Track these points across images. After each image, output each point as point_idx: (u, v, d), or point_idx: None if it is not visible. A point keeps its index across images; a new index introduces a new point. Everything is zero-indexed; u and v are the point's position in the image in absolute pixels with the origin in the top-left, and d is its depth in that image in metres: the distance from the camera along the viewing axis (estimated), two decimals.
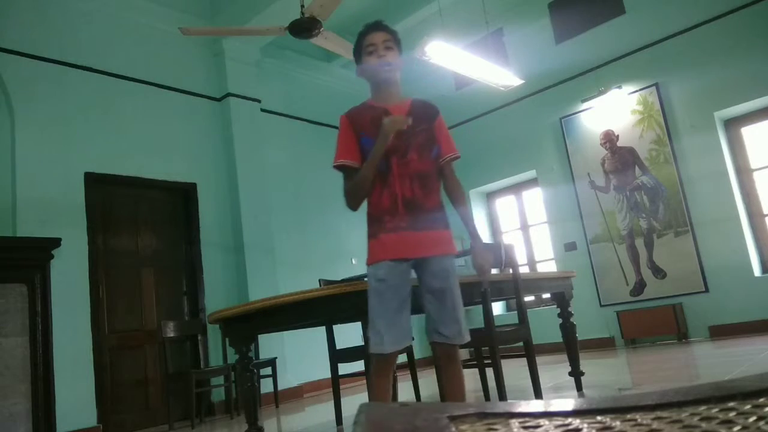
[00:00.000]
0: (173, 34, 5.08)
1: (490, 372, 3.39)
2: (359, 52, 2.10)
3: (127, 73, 5.27)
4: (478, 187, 7.55)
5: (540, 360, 3.44)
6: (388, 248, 1.95)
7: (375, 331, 1.92)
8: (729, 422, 0.40)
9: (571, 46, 6.60)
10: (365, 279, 2.02)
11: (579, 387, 3.57)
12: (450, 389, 2.10)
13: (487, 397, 3.60)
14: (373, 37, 2.06)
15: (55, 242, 4.23)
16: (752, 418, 0.40)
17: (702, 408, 0.44)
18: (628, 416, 0.44)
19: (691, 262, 5.73)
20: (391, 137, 1.92)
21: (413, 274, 2.03)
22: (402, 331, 1.92)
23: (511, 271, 3.19)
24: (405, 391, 4.37)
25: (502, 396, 2.89)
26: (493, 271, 3.23)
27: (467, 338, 1.99)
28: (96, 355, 4.54)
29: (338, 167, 2.03)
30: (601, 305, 6.31)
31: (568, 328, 3.65)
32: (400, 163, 1.97)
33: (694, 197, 5.76)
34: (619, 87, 6.18)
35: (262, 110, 6.24)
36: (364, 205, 2.05)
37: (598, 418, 0.45)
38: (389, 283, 1.92)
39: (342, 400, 3.57)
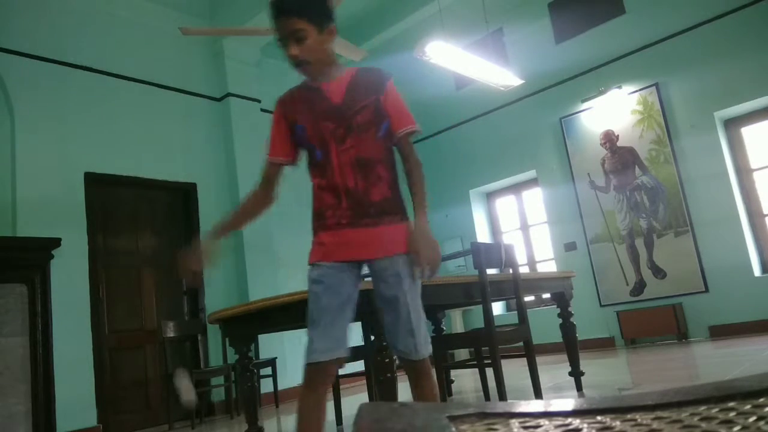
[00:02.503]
0: (173, 34, 5.08)
1: (490, 372, 3.39)
2: None
3: (127, 73, 5.27)
4: (478, 187, 7.55)
5: (540, 360, 3.44)
6: (327, 249, 1.69)
7: (308, 338, 1.66)
8: (729, 422, 0.40)
9: (571, 46, 6.60)
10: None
11: (579, 387, 3.57)
12: None
13: (487, 397, 3.61)
14: (278, 26, 1.64)
15: (55, 242, 4.23)
16: (752, 418, 0.40)
17: (702, 408, 0.44)
18: (628, 416, 0.44)
19: (691, 262, 5.73)
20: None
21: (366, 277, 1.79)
22: (335, 339, 1.65)
23: (511, 271, 3.19)
24: (405, 391, 4.36)
25: (502, 396, 2.89)
26: (493, 270, 3.24)
27: (424, 353, 1.71)
28: (96, 355, 4.54)
29: (271, 162, 1.80)
30: (601, 305, 6.31)
31: (568, 328, 3.65)
32: (340, 151, 1.67)
33: (694, 197, 5.76)
34: (619, 87, 6.18)
35: (262, 110, 6.23)
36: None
37: (598, 418, 0.45)
38: (325, 283, 1.66)
39: (342, 400, 3.57)
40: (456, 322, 7.12)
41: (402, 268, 1.67)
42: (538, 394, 3.17)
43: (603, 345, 6.21)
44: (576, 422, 0.44)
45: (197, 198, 5.56)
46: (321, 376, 1.67)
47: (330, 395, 3.92)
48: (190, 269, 1.69)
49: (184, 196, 5.55)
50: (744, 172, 5.77)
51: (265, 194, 1.83)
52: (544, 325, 5.48)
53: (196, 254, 1.70)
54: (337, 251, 1.68)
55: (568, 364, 3.65)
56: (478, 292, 2.94)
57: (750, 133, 5.81)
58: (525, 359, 3.21)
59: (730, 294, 5.48)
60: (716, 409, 0.43)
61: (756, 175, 5.74)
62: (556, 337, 3.87)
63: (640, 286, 6.08)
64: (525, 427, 0.44)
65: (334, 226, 1.69)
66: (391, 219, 1.70)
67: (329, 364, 1.64)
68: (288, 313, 2.58)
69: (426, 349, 1.71)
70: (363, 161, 1.68)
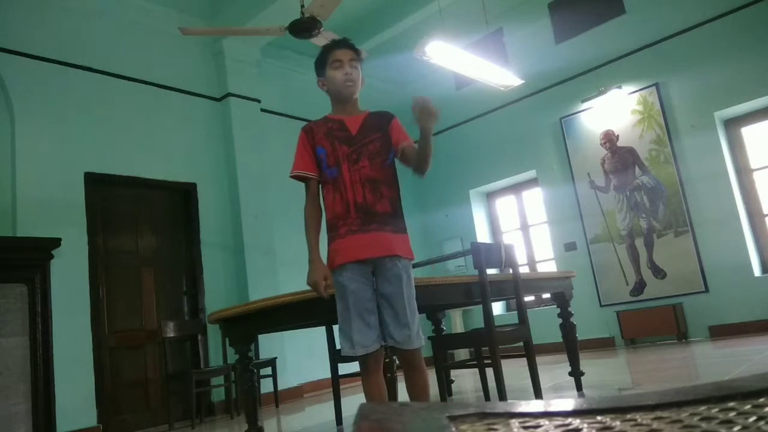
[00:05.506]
0: (173, 34, 5.08)
1: (490, 372, 3.39)
2: (323, 65, 2.18)
3: (127, 73, 5.27)
4: (478, 187, 7.55)
5: (540, 360, 3.44)
6: (343, 252, 2.05)
7: (344, 336, 2.02)
8: (729, 422, 0.40)
9: (571, 46, 6.60)
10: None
11: (579, 387, 3.57)
12: (411, 394, 2.15)
13: (487, 397, 3.61)
14: (341, 53, 2.14)
15: (55, 242, 4.23)
16: (752, 418, 0.40)
17: (702, 408, 0.44)
18: (628, 416, 0.44)
19: (691, 262, 5.73)
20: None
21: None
22: (370, 333, 2.00)
23: (511, 271, 3.19)
24: (405, 391, 4.36)
25: (502, 396, 2.89)
26: (493, 270, 3.24)
27: (418, 344, 2.03)
28: (96, 355, 4.53)
29: (294, 177, 2.18)
30: (601, 305, 6.31)
31: (568, 328, 3.65)
32: (352, 170, 2.07)
33: (694, 197, 5.76)
34: (619, 87, 6.18)
35: (262, 110, 6.24)
36: None
37: (598, 418, 0.45)
38: (350, 287, 2.01)
39: (342, 400, 3.57)
40: (456, 322, 7.12)
41: (401, 271, 2.04)
42: (538, 394, 3.17)
43: (603, 345, 6.21)
44: (576, 422, 0.44)
45: (197, 198, 5.55)
46: (374, 362, 2.06)
47: (330, 395, 3.92)
48: (324, 292, 2.05)
49: (184, 196, 5.55)
50: (744, 172, 5.77)
51: (317, 207, 2.17)
52: (544, 325, 5.48)
53: (322, 277, 2.04)
54: (350, 253, 2.03)
55: (568, 364, 3.65)
56: (478, 292, 2.94)
57: (750, 133, 5.80)
58: (525, 359, 3.21)
59: (730, 294, 5.48)
60: (716, 409, 0.43)
61: (756, 175, 5.74)
62: (556, 337, 3.87)
63: (640, 286, 6.07)
64: (525, 427, 0.44)
65: (346, 234, 2.05)
66: (393, 228, 2.07)
67: (372, 353, 2.02)
68: (288, 313, 2.58)
69: (418, 341, 2.04)
70: (371, 180, 2.07)
